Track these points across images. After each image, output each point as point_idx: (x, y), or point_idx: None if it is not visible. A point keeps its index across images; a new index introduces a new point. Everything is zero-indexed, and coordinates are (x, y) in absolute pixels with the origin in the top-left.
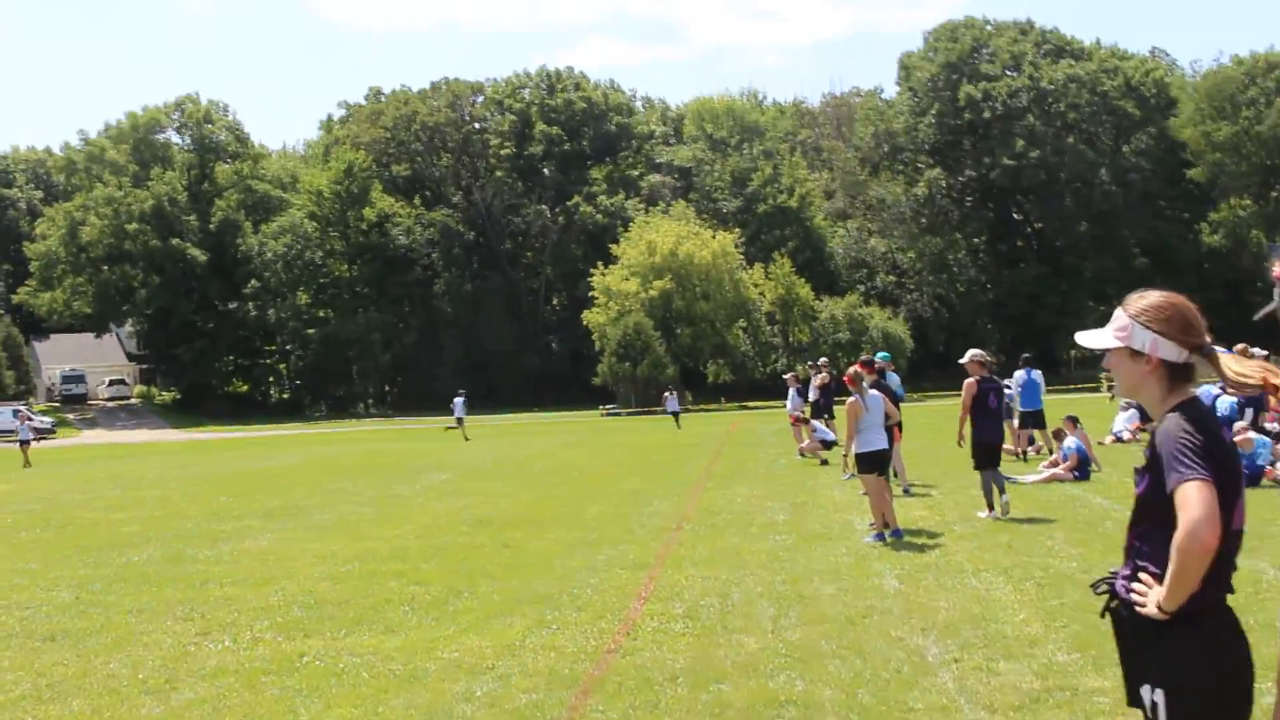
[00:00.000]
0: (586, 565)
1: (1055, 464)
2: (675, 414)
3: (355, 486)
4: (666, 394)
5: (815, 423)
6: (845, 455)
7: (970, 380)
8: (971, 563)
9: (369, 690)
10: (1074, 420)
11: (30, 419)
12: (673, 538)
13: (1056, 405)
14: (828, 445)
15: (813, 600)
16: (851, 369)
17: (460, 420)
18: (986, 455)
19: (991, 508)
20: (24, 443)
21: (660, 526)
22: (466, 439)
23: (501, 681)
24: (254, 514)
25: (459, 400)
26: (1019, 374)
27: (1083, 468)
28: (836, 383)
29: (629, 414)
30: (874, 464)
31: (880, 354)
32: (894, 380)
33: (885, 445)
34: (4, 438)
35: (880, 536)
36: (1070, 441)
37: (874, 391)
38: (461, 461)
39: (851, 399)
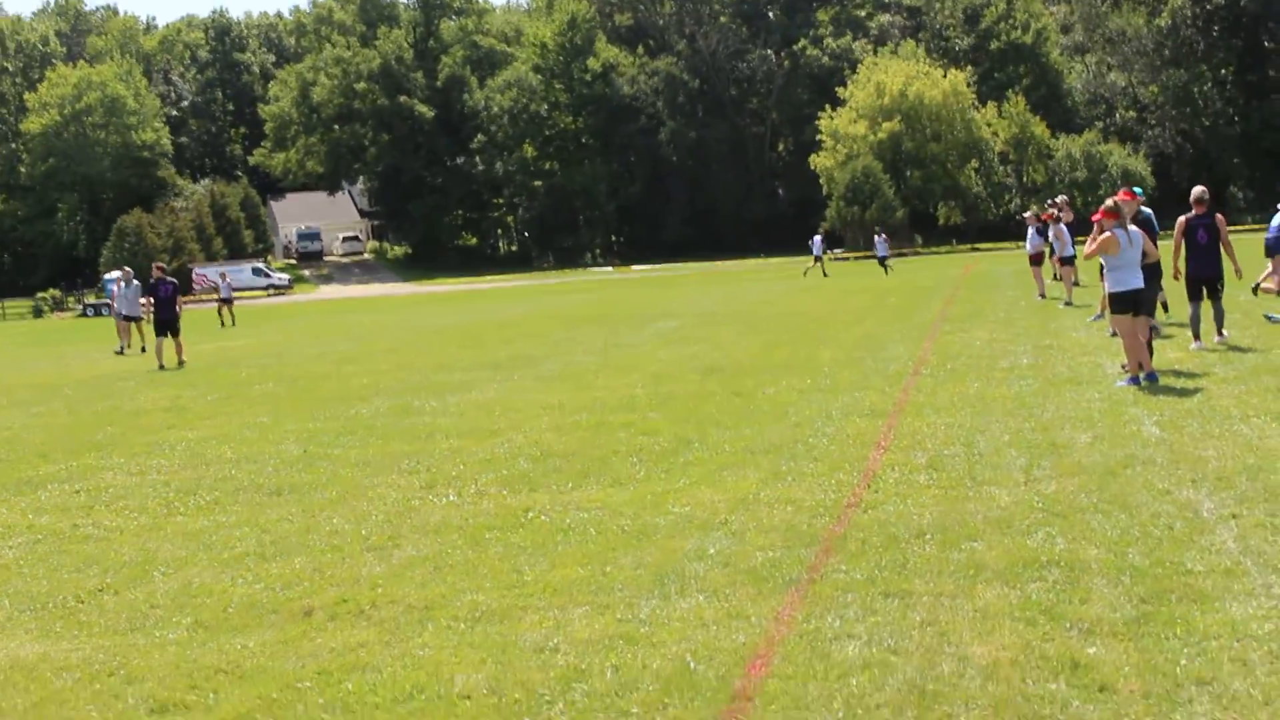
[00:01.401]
0: (821, 413)
1: None
2: (883, 259)
3: (582, 335)
4: (877, 236)
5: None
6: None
7: (1181, 217)
8: (1239, 408)
9: (596, 548)
10: None
11: (245, 275)
12: (911, 383)
13: None
14: (1066, 261)
15: (1066, 449)
16: (1111, 200)
17: (819, 258)
18: (1195, 289)
19: (1197, 337)
20: (225, 301)
21: (897, 372)
22: (825, 275)
23: (735, 538)
24: (481, 365)
25: (817, 239)
26: None
27: None
28: (1077, 222)
29: (858, 258)
30: (1129, 304)
31: (1135, 189)
32: (1148, 215)
33: (1141, 284)
34: (248, 294)
35: (1135, 380)
36: None
37: (1134, 227)
38: (690, 309)
39: (1107, 233)
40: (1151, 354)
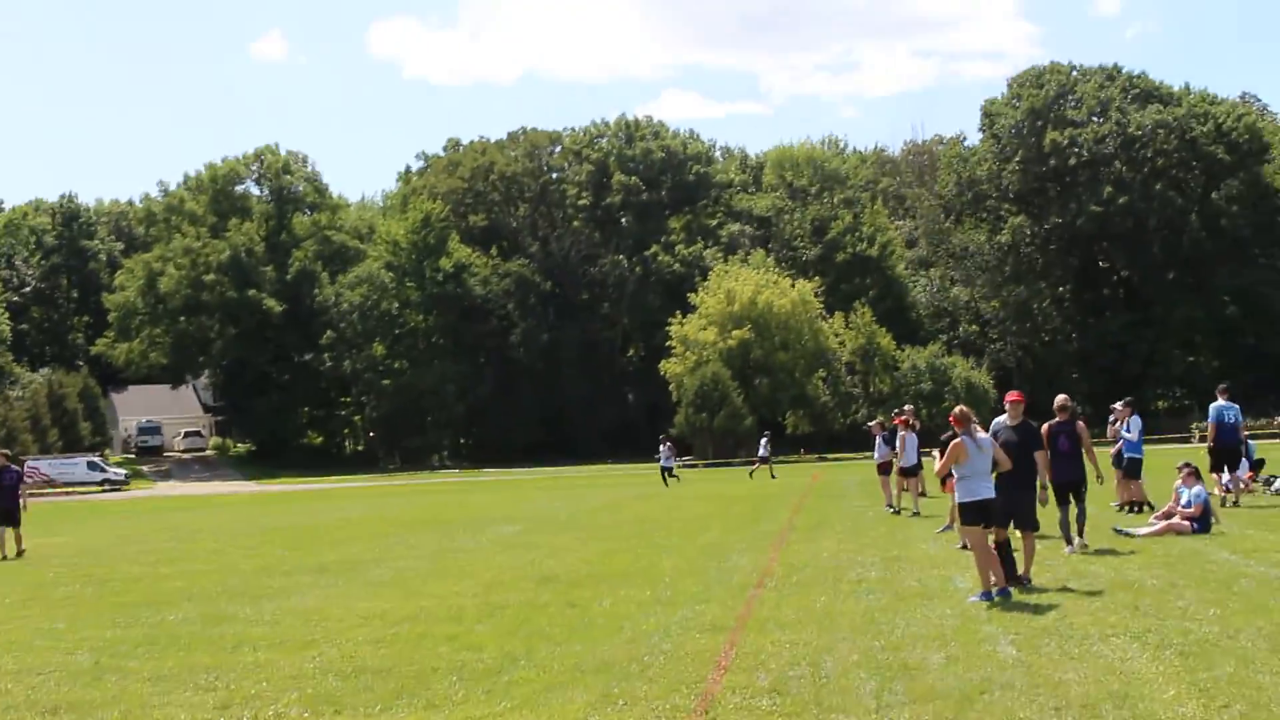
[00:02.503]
0: (659, 628)
1: (1169, 514)
2: (666, 470)
3: (418, 539)
4: (663, 443)
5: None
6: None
7: (1044, 425)
8: (1096, 627)
9: None
10: (1193, 468)
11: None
12: (754, 596)
13: (1148, 456)
14: (911, 471)
15: (919, 671)
16: (959, 408)
17: (765, 459)
18: (1061, 494)
19: (1069, 542)
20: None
21: (740, 583)
22: (774, 476)
23: None
24: (306, 569)
25: (764, 439)
26: (1135, 419)
27: (1204, 519)
28: (922, 433)
29: (706, 465)
30: (979, 514)
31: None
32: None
33: (992, 494)
34: (82, 489)
35: (987, 595)
36: (1196, 490)
37: (983, 434)
38: (532, 513)
39: (957, 439)
40: (1012, 568)
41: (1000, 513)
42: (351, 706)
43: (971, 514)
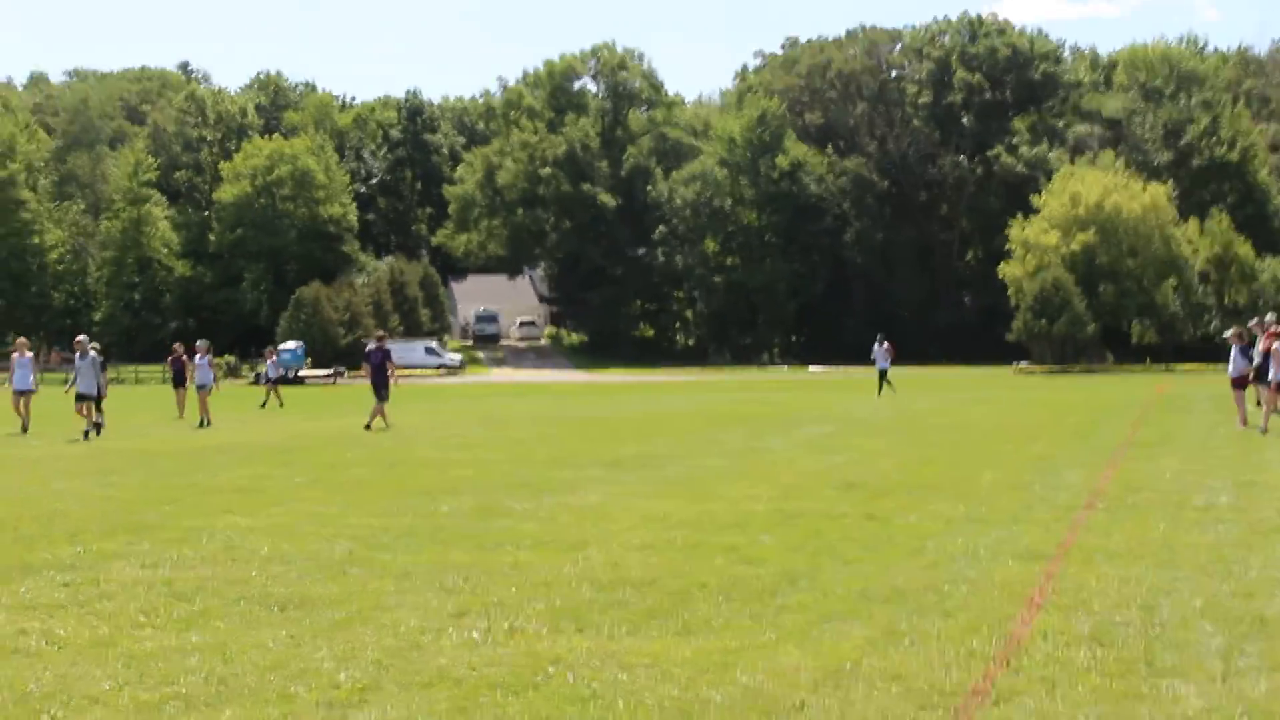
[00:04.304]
0: (967, 550)
1: None
2: (882, 373)
3: (725, 436)
4: (879, 343)
5: None
6: None
7: None
8: None
9: None
10: None
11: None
12: (1081, 519)
13: None
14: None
15: (1279, 628)
16: None
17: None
18: None
19: None
20: (271, 381)
21: (1067, 504)
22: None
23: None
24: (600, 462)
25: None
26: None
27: None
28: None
29: (1044, 373)
30: None
31: None
32: None
33: None
34: (419, 373)
35: None
36: None
37: None
38: (848, 414)
39: None
40: None
41: None
42: (595, 625)
43: None
